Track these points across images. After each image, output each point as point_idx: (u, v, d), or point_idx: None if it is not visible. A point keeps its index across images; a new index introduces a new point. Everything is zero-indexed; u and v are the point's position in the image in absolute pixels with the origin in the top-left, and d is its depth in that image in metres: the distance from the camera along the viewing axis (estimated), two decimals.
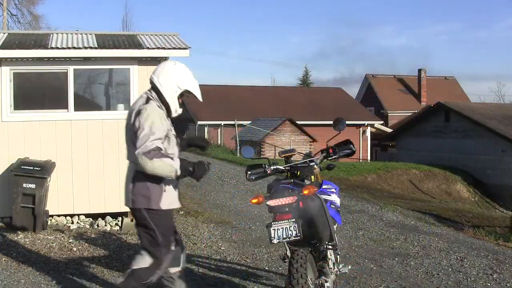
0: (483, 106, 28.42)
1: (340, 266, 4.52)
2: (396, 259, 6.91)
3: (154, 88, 3.99)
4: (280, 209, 3.94)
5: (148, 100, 3.94)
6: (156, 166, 3.68)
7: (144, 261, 4.00)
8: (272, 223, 3.93)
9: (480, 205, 20.20)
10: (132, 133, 3.84)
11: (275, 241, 3.92)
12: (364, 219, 9.60)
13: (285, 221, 3.90)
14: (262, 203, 4.02)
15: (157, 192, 3.92)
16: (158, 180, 3.89)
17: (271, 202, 3.97)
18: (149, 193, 3.90)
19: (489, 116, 24.08)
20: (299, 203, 3.95)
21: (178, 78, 3.97)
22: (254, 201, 4.04)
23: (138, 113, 3.83)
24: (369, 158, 32.27)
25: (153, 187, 3.90)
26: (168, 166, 3.73)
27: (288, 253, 4.01)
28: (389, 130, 34.07)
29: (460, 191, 21.59)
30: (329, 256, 4.34)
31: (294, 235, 3.87)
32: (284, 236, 3.89)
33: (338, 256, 4.64)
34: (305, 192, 3.95)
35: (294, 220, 3.88)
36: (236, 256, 6.86)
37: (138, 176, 3.87)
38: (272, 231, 3.91)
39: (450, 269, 6.52)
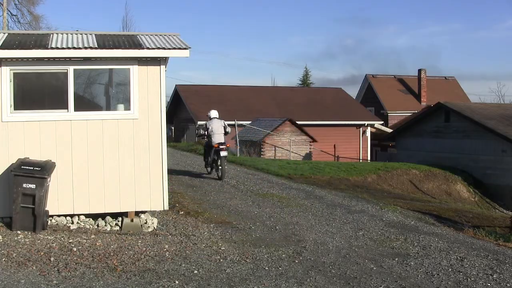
0: (483, 106, 28.39)
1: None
2: (396, 259, 6.91)
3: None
4: (223, 146, 13.61)
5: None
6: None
7: None
8: (221, 151, 13.52)
9: (480, 205, 20.16)
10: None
11: (222, 154, 13.57)
12: (364, 219, 9.60)
13: (225, 150, 13.72)
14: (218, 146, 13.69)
15: None
16: None
17: (221, 146, 13.63)
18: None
19: (489, 116, 24.04)
20: (227, 146, 13.93)
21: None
22: (216, 146, 13.67)
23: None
24: (369, 158, 32.26)
25: None
26: None
27: (216, 157, 13.73)
28: (389, 130, 34.00)
29: (460, 191, 21.56)
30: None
31: (226, 154, 13.90)
32: (224, 155, 13.63)
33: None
34: (227, 145, 14.01)
35: (227, 150, 13.89)
36: (236, 256, 6.87)
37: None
38: (221, 152, 13.50)
39: (450, 269, 6.52)
